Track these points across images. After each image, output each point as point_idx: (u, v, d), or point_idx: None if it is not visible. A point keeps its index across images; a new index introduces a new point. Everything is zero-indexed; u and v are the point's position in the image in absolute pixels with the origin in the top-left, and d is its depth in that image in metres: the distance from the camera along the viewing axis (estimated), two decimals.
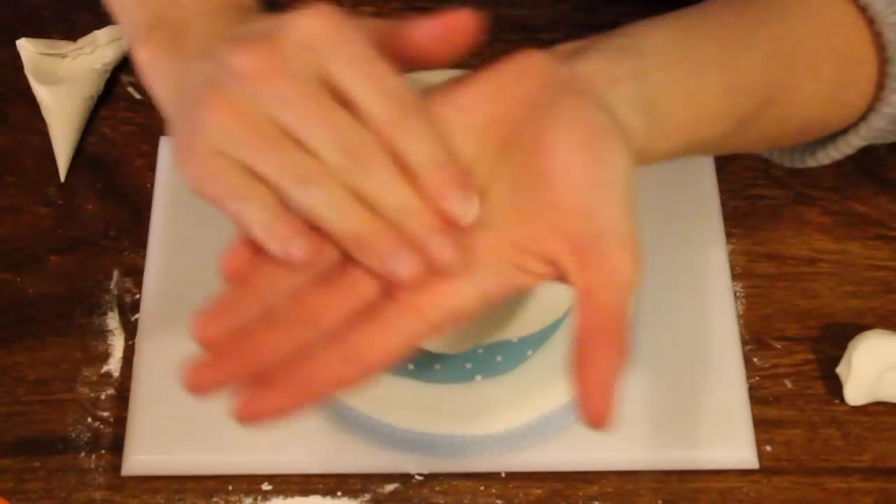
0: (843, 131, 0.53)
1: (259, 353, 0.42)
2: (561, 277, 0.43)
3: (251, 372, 0.42)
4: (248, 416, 0.41)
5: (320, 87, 0.42)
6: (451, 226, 0.42)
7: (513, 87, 0.44)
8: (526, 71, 0.45)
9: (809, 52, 0.50)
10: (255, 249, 0.43)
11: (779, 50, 0.50)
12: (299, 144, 0.42)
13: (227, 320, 0.42)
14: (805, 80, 0.50)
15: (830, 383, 0.63)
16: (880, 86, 0.50)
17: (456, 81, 0.45)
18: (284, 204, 0.42)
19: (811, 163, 0.55)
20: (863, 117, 0.52)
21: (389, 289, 0.43)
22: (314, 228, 0.43)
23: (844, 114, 0.52)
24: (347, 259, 0.43)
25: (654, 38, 0.48)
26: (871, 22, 0.50)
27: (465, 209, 0.42)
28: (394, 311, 0.43)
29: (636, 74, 0.46)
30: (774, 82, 0.50)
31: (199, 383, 0.42)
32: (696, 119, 0.48)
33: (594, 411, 0.41)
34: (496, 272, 0.43)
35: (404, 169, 0.42)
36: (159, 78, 0.49)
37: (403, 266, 0.42)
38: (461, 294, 0.43)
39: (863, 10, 0.50)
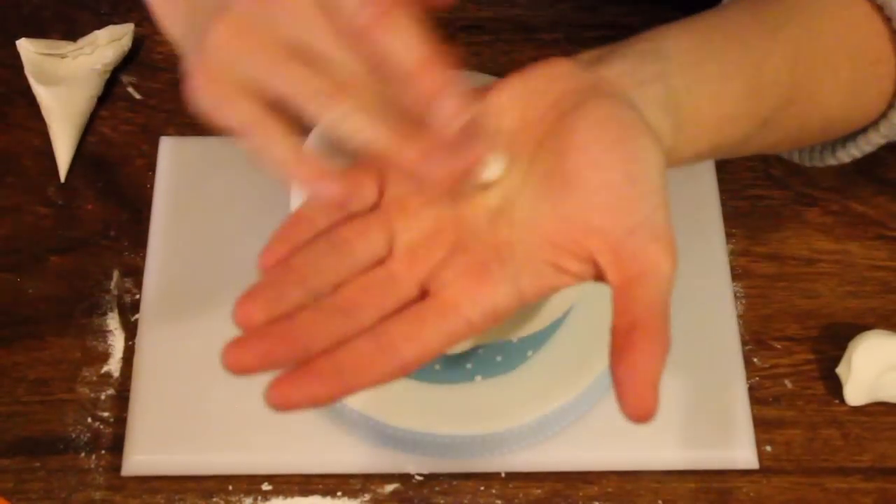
0: (864, 129, 0.53)
1: (299, 338, 0.42)
2: (598, 276, 0.44)
3: (290, 356, 0.41)
4: (281, 402, 0.41)
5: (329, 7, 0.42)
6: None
7: (540, 92, 0.45)
8: (553, 76, 0.45)
9: (828, 52, 0.51)
10: (293, 245, 0.43)
11: (798, 50, 0.50)
12: (313, 63, 0.42)
13: (270, 305, 0.42)
14: (825, 79, 0.51)
15: (830, 383, 0.63)
16: None
17: (483, 89, 0.45)
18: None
19: (832, 162, 0.56)
20: (883, 115, 0.52)
21: (429, 289, 0.43)
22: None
23: (865, 112, 0.53)
24: (389, 256, 0.44)
25: (676, 41, 0.48)
26: (888, 21, 0.50)
27: (455, 110, 0.41)
28: (433, 308, 0.43)
29: (660, 77, 0.46)
30: (795, 82, 0.50)
31: (238, 362, 0.41)
32: (721, 120, 0.48)
33: (637, 405, 0.41)
34: (534, 272, 0.44)
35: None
36: (171, 16, 0.48)
37: (436, 164, 0.42)
38: (499, 293, 0.43)
39: (879, 9, 0.51)
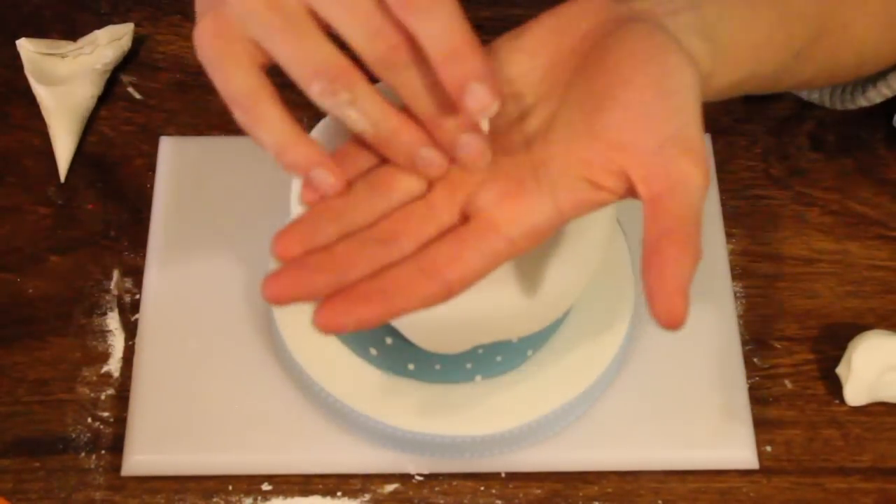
0: (894, 66, 0.54)
1: (339, 266, 0.42)
2: (631, 191, 0.44)
3: (330, 284, 0.42)
4: (328, 324, 0.41)
5: None
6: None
7: (574, 25, 0.47)
8: (586, 10, 0.47)
9: None
10: (308, 235, 0.44)
11: None
12: (325, 33, 0.43)
13: (307, 238, 0.43)
14: (855, 12, 0.52)
15: (830, 383, 0.63)
16: None
17: (519, 28, 0.48)
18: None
19: (862, 102, 0.57)
20: None
21: (469, 213, 0.44)
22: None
23: None
24: (430, 186, 0.45)
25: None
26: None
27: (483, 101, 0.42)
28: (474, 230, 0.44)
29: (692, 6, 0.48)
30: (823, 13, 0.51)
31: (278, 293, 0.41)
32: (755, 48, 0.49)
33: (668, 310, 0.42)
34: (570, 188, 0.44)
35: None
36: None
37: (432, 159, 0.43)
38: (538, 211, 0.44)
39: None
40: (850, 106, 0.57)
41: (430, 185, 0.46)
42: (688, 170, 0.43)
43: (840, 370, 0.61)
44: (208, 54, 0.44)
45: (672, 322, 0.42)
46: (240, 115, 0.44)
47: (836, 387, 0.62)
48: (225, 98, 0.44)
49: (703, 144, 0.44)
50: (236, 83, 0.44)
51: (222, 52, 0.44)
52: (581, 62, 0.46)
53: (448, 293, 0.43)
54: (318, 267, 0.42)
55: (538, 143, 0.46)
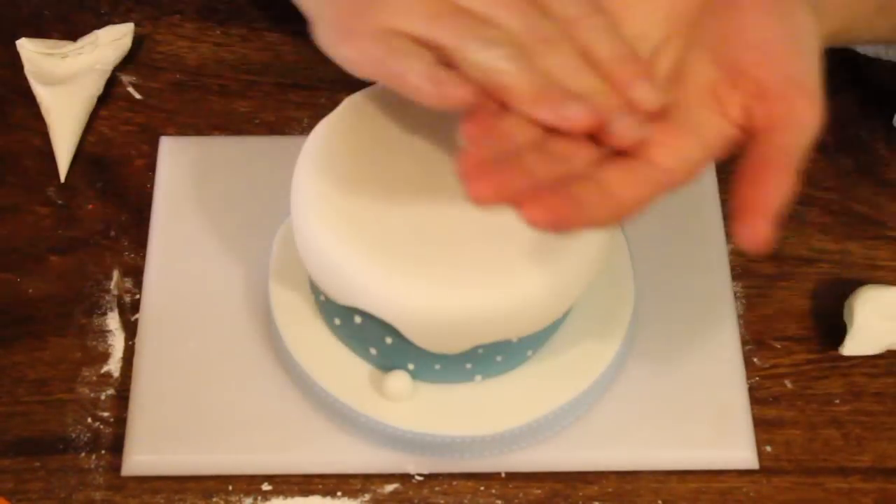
0: None
1: (531, 172, 0.44)
2: (749, 125, 0.46)
3: (529, 185, 0.43)
4: (538, 220, 0.42)
5: None
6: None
7: None
8: None
9: None
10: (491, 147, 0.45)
11: None
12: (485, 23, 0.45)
13: (489, 153, 0.44)
14: None
15: (830, 383, 0.63)
16: None
17: None
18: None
19: None
20: None
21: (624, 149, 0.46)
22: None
23: None
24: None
25: None
26: None
27: (651, 96, 0.46)
28: (634, 160, 0.45)
29: None
30: None
31: (483, 190, 0.42)
32: (846, 3, 0.53)
33: (754, 231, 0.44)
34: (710, 125, 0.47)
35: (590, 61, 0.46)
36: None
37: (578, 111, 0.45)
38: (688, 146, 0.46)
39: None
40: None
41: None
42: (802, 109, 0.46)
43: (845, 315, 0.63)
44: (359, 64, 0.47)
45: (755, 242, 0.44)
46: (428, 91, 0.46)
47: (836, 386, 0.62)
48: (405, 89, 0.46)
49: (819, 91, 0.46)
50: (388, 55, 0.46)
51: (375, 54, 0.46)
52: (702, 7, 0.49)
53: (622, 213, 0.44)
54: (514, 171, 0.43)
55: (673, 84, 0.48)
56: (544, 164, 0.44)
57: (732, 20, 0.48)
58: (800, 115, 0.46)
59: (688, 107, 0.47)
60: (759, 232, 0.44)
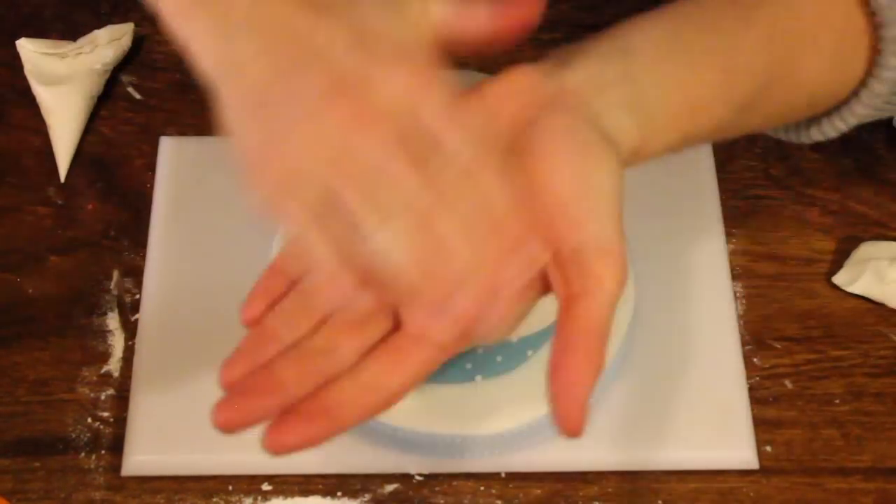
0: (847, 101, 0.53)
1: (282, 385, 0.43)
2: (549, 289, 0.44)
3: (277, 405, 0.43)
4: (277, 447, 0.42)
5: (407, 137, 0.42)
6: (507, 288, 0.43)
7: (501, 107, 0.45)
8: (513, 91, 0.45)
9: (809, 26, 0.51)
10: (271, 298, 0.45)
11: (776, 29, 0.50)
12: (384, 181, 0.42)
13: (250, 361, 0.44)
14: (806, 55, 0.51)
15: (830, 383, 0.63)
16: (877, 51, 0.51)
17: (467, 89, 0.46)
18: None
19: (818, 137, 0.55)
20: (863, 84, 0.52)
21: (402, 318, 0.44)
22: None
23: (849, 87, 0.52)
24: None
25: (644, 35, 0.48)
26: None
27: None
28: (406, 338, 0.44)
29: (625, 77, 0.47)
30: (775, 61, 0.50)
31: (228, 420, 0.43)
32: (691, 110, 0.48)
33: (566, 421, 0.43)
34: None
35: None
36: (196, 39, 0.48)
37: (445, 324, 0.43)
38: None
39: None
40: (806, 141, 0.56)
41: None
42: (601, 273, 0.43)
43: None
44: (271, 199, 0.44)
45: (570, 430, 0.43)
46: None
47: (835, 386, 0.62)
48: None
49: (620, 249, 0.43)
50: (304, 214, 0.43)
51: (285, 192, 0.43)
52: (512, 144, 0.45)
53: (390, 402, 0.43)
54: (262, 390, 0.43)
55: None
56: (304, 367, 0.43)
57: (527, 177, 0.44)
58: (598, 281, 0.43)
59: None
60: (574, 418, 0.42)
